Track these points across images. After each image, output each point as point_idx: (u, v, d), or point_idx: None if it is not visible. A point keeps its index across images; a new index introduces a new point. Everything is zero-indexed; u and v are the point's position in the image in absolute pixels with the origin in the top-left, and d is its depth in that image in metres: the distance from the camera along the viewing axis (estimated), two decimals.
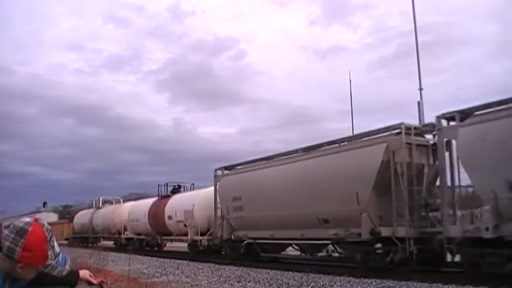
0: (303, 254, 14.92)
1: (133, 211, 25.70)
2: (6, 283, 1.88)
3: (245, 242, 15.63)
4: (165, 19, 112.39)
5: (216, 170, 17.75)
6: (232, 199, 16.10)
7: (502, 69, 65.03)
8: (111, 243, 28.84)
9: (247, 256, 15.51)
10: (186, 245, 21.02)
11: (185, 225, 19.57)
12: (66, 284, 2.23)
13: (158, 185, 24.17)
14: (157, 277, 11.66)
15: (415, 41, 18.45)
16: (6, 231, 1.82)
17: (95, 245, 30.15)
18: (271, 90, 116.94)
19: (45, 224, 1.93)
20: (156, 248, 24.21)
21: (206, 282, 10.42)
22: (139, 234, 24.85)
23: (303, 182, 13.04)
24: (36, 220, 1.91)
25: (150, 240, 24.03)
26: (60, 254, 1.96)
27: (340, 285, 9.31)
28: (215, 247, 17.96)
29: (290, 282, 10.00)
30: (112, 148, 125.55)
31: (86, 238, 31.94)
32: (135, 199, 34.84)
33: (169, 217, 21.03)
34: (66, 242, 34.88)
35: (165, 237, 22.86)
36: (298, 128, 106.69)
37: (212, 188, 17.99)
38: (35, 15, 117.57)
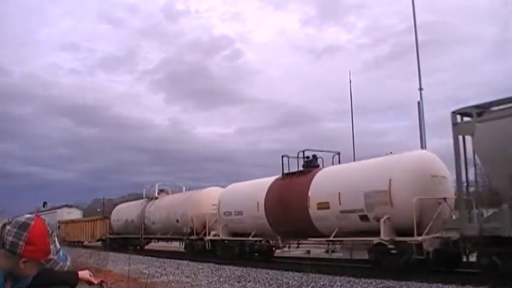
0: None
1: (228, 199, 17.13)
2: (8, 284, 1.88)
3: None
4: (159, 19, 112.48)
5: (454, 113, 9.71)
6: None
7: (499, 69, 65.09)
8: (173, 245, 23.21)
9: None
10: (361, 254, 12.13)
11: (365, 218, 11.50)
12: (66, 284, 2.24)
13: (283, 156, 14.69)
14: (157, 277, 11.66)
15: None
16: (8, 227, 1.84)
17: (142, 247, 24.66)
18: (268, 90, 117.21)
19: (46, 219, 1.94)
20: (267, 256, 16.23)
21: (206, 282, 10.43)
22: (238, 234, 16.46)
23: None
24: (37, 215, 1.93)
25: (263, 245, 15.97)
26: (61, 251, 1.97)
27: (340, 285, 9.31)
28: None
29: (290, 282, 10.01)
30: (110, 148, 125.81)
31: (130, 239, 24.95)
32: (135, 199, 33.80)
33: (322, 204, 12.59)
34: (99, 243, 28.94)
35: (299, 240, 15.36)
36: (296, 128, 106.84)
37: (420, 153, 12.55)
38: (31, 15, 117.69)
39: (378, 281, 9.40)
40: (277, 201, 14.47)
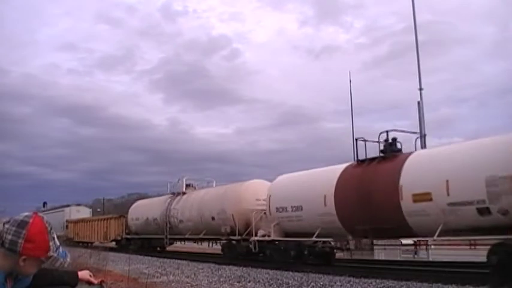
0: None
1: (281, 192, 14.60)
2: (8, 284, 1.88)
3: None
4: (157, 19, 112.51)
5: None
6: None
7: (498, 69, 65.09)
8: (202, 247, 22.04)
9: None
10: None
11: (485, 212, 9.01)
12: (67, 285, 2.24)
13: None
14: (157, 277, 11.65)
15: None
16: (7, 225, 1.84)
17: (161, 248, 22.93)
18: (267, 90, 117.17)
19: (44, 216, 1.94)
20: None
21: (206, 282, 10.43)
22: (293, 234, 13.97)
23: None
24: (35, 213, 1.93)
25: (325, 247, 13.75)
26: (60, 248, 1.97)
27: (340, 285, 9.31)
28: None
29: (290, 282, 10.01)
30: (108, 148, 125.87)
31: (152, 240, 22.79)
32: (135, 200, 33.39)
33: (421, 196, 10.05)
34: (114, 245, 26.26)
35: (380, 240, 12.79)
36: (295, 127, 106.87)
37: None
38: (30, 15, 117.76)
39: (378, 281, 9.40)
40: (353, 194, 11.82)
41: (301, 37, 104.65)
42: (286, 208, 13.95)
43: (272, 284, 9.96)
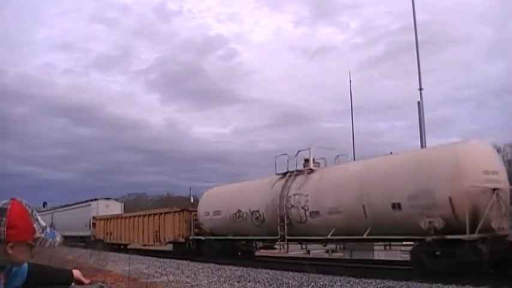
0: None
1: None
2: (1, 280, 1.88)
3: None
4: (152, 18, 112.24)
5: None
6: None
7: (496, 70, 64.98)
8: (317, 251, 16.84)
9: None
10: None
11: None
12: (61, 283, 2.23)
13: None
14: (157, 277, 11.66)
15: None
16: None
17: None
18: (265, 90, 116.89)
19: (23, 200, 1.93)
20: None
21: (206, 282, 10.43)
22: None
23: None
24: (12, 198, 1.92)
25: None
26: (47, 228, 1.96)
27: (340, 285, 9.32)
28: None
29: (290, 282, 10.01)
30: (106, 148, 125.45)
31: (234, 242, 17.35)
32: (135, 200, 33.08)
33: None
34: (164, 246, 21.41)
35: None
36: (293, 127, 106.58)
37: None
38: (25, 15, 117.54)
39: (378, 281, 9.41)
40: None
41: (299, 37, 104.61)
42: None
43: (272, 284, 9.96)
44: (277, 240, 15.14)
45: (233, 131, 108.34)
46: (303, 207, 13.67)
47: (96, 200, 32.14)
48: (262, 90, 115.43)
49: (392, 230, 10.97)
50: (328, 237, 12.75)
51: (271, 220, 14.83)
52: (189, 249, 18.84)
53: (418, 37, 19.16)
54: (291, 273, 11.50)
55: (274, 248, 18.35)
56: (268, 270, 12.26)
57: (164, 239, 20.75)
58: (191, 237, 18.96)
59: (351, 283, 9.46)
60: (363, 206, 11.64)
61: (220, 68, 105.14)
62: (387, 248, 14.22)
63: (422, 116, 18.01)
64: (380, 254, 16.57)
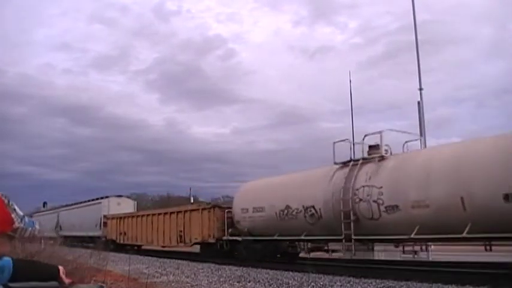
0: None
1: None
2: None
3: None
4: (151, 18, 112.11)
5: None
6: None
7: (496, 70, 64.95)
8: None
9: None
10: None
11: None
12: (48, 278, 2.22)
13: None
14: (157, 277, 11.65)
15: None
16: None
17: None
18: (264, 90, 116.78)
19: None
20: None
21: (206, 282, 10.42)
22: None
23: None
24: None
25: None
26: (26, 217, 1.96)
27: (340, 285, 9.31)
28: None
29: (290, 282, 10.01)
30: (106, 148, 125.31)
31: (278, 242, 15.62)
32: (135, 199, 32.97)
33: None
34: (197, 250, 18.85)
35: None
36: (292, 127, 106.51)
37: None
38: (24, 15, 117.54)
39: (378, 281, 9.40)
40: None
41: (299, 37, 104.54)
42: None
43: (272, 284, 9.96)
44: (340, 240, 12.73)
45: (233, 131, 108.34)
46: (375, 201, 11.55)
47: (107, 197, 29.91)
48: (261, 90, 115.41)
49: (502, 227, 8.88)
50: (412, 236, 10.51)
51: (330, 217, 12.77)
52: (221, 251, 16.65)
53: (419, 37, 19.18)
54: (291, 273, 11.50)
55: (325, 250, 16.17)
56: (268, 270, 12.26)
57: (190, 239, 18.36)
58: (225, 238, 16.44)
59: (351, 283, 9.45)
60: (461, 198, 9.54)
61: (220, 68, 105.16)
62: (487, 249, 10.65)
63: (422, 116, 18.01)
64: (380, 254, 16.56)
